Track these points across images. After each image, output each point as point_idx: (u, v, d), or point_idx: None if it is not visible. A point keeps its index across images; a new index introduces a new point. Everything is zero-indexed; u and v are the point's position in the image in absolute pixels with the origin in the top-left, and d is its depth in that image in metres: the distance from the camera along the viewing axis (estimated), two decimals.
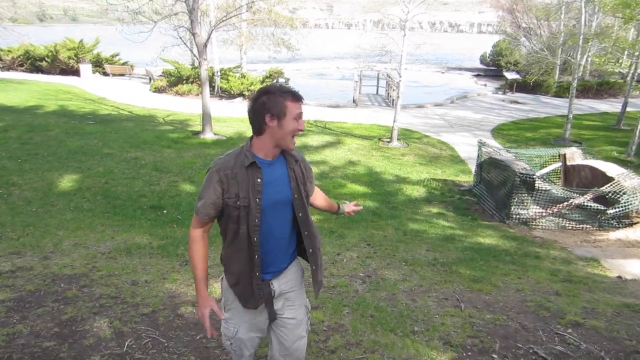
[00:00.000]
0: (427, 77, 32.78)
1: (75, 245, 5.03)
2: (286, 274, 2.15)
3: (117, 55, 28.60)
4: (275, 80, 18.82)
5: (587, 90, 22.58)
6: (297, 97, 1.97)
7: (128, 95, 19.18)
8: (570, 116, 13.28)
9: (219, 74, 19.57)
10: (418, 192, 8.96)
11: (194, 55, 10.90)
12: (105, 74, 26.88)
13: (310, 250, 2.15)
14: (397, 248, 5.46)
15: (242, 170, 1.96)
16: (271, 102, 1.93)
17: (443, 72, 37.09)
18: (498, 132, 14.97)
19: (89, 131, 11.45)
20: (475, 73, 35.87)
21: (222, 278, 2.20)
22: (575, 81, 13.32)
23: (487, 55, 37.11)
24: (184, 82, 20.16)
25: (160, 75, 21.93)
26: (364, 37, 14.60)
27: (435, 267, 4.82)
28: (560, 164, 9.03)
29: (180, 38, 10.62)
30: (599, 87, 23.07)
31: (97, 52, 27.82)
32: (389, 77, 20.42)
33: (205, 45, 10.64)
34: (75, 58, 26.11)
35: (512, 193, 7.10)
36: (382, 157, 11.37)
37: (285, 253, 2.13)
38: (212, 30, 10.95)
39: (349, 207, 2.60)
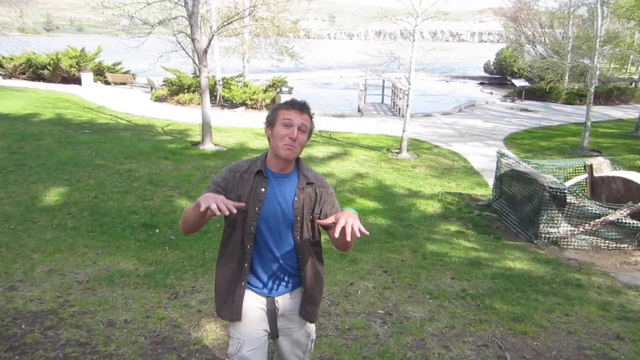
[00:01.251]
0: (432, 86, 32.25)
1: (50, 272, 4.39)
2: (293, 294, 2.12)
3: (119, 64, 28.29)
4: (278, 90, 18.25)
5: (597, 97, 21.83)
6: (290, 105, 1.99)
7: (128, 104, 18.67)
8: (589, 123, 12.65)
9: (221, 82, 19.03)
10: (433, 207, 8.30)
11: (194, 63, 10.31)
12: (106, 82, 26.55)
13: (302, 273, 2.09)
14: (418, 276, 4.79)
15: (251, 177, 2.00)
16: (269, 113, 2.05)
17: (447, 81, 36.65)
18: (511, 141, 14.31)
19: (83, 141, 10.85)
20: (480, 81, 35.46)
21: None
22: (594, 87, 12.68)
23: (491, 63, 36.80)
24: (185, 91, 19.63)
25: (162, 85, 21.43)
26: (371, 43, 14.06)
27: (465, 300, 4.15)
28: (586, 175, 8.37)
29: (179, 43, 10.04)
30: (610, 93, 22.43)
31: (99, 60, 27.54)
32: (395, 86, 19.85)
33: (206, 52, 10.06)
34: (76, 66, 25.80)
35: (541, 209, 6.43)
36: (391, 169, 10.72)
37: (290, 274, 2.08)
38: (213, 35, 10.38)
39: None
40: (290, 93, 17.95)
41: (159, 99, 20.26)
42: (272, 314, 2.07)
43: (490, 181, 10.24)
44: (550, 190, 6.33)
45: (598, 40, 11.75)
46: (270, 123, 2.01)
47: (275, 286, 2.07)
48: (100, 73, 26.94)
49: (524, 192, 7.12)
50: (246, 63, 20.46)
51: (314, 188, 2.06)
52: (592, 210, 6.41)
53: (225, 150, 10.77)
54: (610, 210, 6.49)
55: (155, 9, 9.85)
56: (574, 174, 8.45)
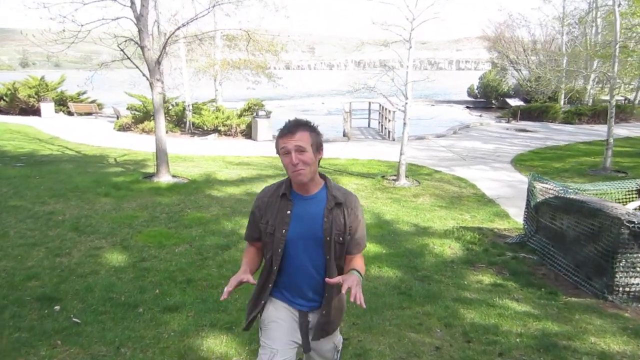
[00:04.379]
0: (418, 110, 30.96)
1: None
2: (322, 309, 2.13)
3: (83, 93, 26.30)
4: (254, 114, 16.43)
5: (597, 115, 20.72)
6: (281, 132, 2.01)
7: (86, 134, 16.65)
8: (611, 141, 10.99)
9: (190, 108, 17.15)
10: (451, 248, 6.38)
11: (144, 76, 8.42)
12: (69, 113, 24.53)
13: (327, 294, 2.11)
14: None
15: (277, 200, 2.07)
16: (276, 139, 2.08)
17: (433, 105, 35.72)
18: (519, 163, 12.63)
19: (7, 176, 8.75)
20: (465, 105, 34.56)
21: None
22: (614, 99, 11.11)
23: (475, 87, 36.26)
24: (152, 118, 17.64)
25: (134, 112, 19.46)
26: (351, 72, 12.52)
27: None
28: None
29: (122, 51, 8.09)
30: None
31: (62, 90, 25.57)
32: (383, 108, 18.28)
33: (159, 62, 8.17)
34: (35, 96, 23.74)
35: (617, 253, 4.56)
36: (390, 200, 8.84)
37: (319, 291, 2.12)
38: (166, 42, 8.52)
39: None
40: (268, 117, 16.14)
41: (123, 128, 18.27)
42: (305, 327, 2.13)
43: (511, 210, 8.47)
44: (631, 225, 4.47)
45: (617, 45, 10.23)
46: (278, 154, 2.04)
47: (305, 302, 2.13)
48: (62, 103, 24.97)
49: (580, 228, 5.26)
50: (218, 86, 18.64)
51: (342, 209, 2.06)
52: None
53: (185, 183, 8.75)
54: None
55: (96, 7, 7.92)
56: (626, 200, 6.66)
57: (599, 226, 4.87)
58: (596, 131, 18.45)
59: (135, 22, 7.89)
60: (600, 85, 25.42)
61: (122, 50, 8.03)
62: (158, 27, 11.77)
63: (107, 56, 10.44)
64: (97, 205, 7.10)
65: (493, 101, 33.16)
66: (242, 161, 12.20)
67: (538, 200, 6.42)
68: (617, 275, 4.60)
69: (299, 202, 2.05)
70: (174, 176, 8.97)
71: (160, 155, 8.67)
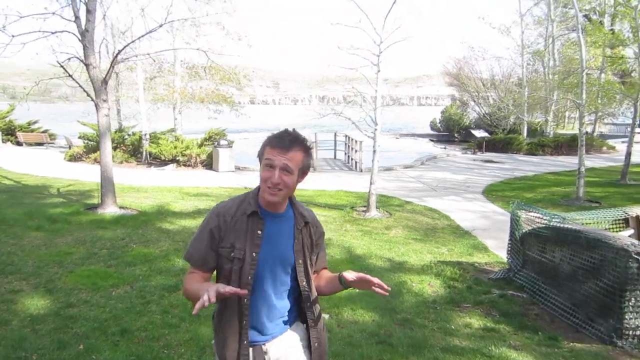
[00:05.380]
0: (384, 143, 30.78)
1: None
2: (284, 337, 1.87)
3: (34, 122, 25.06)
4: (215, 143, 15.64)
5: (560, 147, 21.03)
6: (275, 143, 1.73)
7: (32, 165, 15.43)
8: (582, 170, 10.79)
9: (147, 137, 16.19)
10: (431, 286, 5.71)
11: (89, 96, 7.57)
12: (18, 143, 23.12)
13: (312, 321, 1.90)
14: None
15: (242, 219, 1.80)
16: (260, 147, 1.81)
17: (397, 138, 35.94)
18: (491, 193, 12.29)
19: None
20: (429, 138, 35.05)
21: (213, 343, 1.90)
22: (585, 127, 11.01)
23: (437, 121, 36.95)
24: None
25: (86, 141, 18.30)
26: (327, 88, 12.08)
27: None
28: (631, 231, 6.21)
29: (62, 67, 7.24)
30: (572, 143, 21.58)
31: (10, 119, 24.19)
32: (349, 138, 17.93)
33: (105, 82, 7.37)
34: None
35: (625, 290, 4.00)
36: (361, 233, 8.17)
37: (283, 317, 1.87)
38: (115, 59, 7.76)
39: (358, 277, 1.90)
40: (230, 147, 15.39)
41: (74, 158, 17.11)
42: None
43: (489, 242, 7.96)
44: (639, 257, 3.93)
45: (584, 72, 10.18)
46: (259, 160, 1.79)
47: (266, 332, 1.83)
48: (11, 133, 23.57)
49: (576, 261, 4.70)
50: (178, 115, 17.78)
51: (309, 228, 1.91)
52: None
53: (133, 215, 7.80)
54: None
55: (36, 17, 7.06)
56: (614, 229, 6.24)
57: (601, 259, 4.32)
58: (561, 162, 18.62)
59: (80, 37, 7.11)
60: (555, 121, 26.11)
61: (62, 66, 7.18)
62: (107, 46, 10.99)
63: (66, 88, 9.50)
64: (24, 240, 6.09)
65: (455, 134, 33.82)
66: (200, 192, 11.32)
67: (524, 230, 5.89)
68: (626, 317, 4.03)
69: (269, 220, 1.81)
70: (121, 207, 8.01)
71: (106, 184, 7.73)
